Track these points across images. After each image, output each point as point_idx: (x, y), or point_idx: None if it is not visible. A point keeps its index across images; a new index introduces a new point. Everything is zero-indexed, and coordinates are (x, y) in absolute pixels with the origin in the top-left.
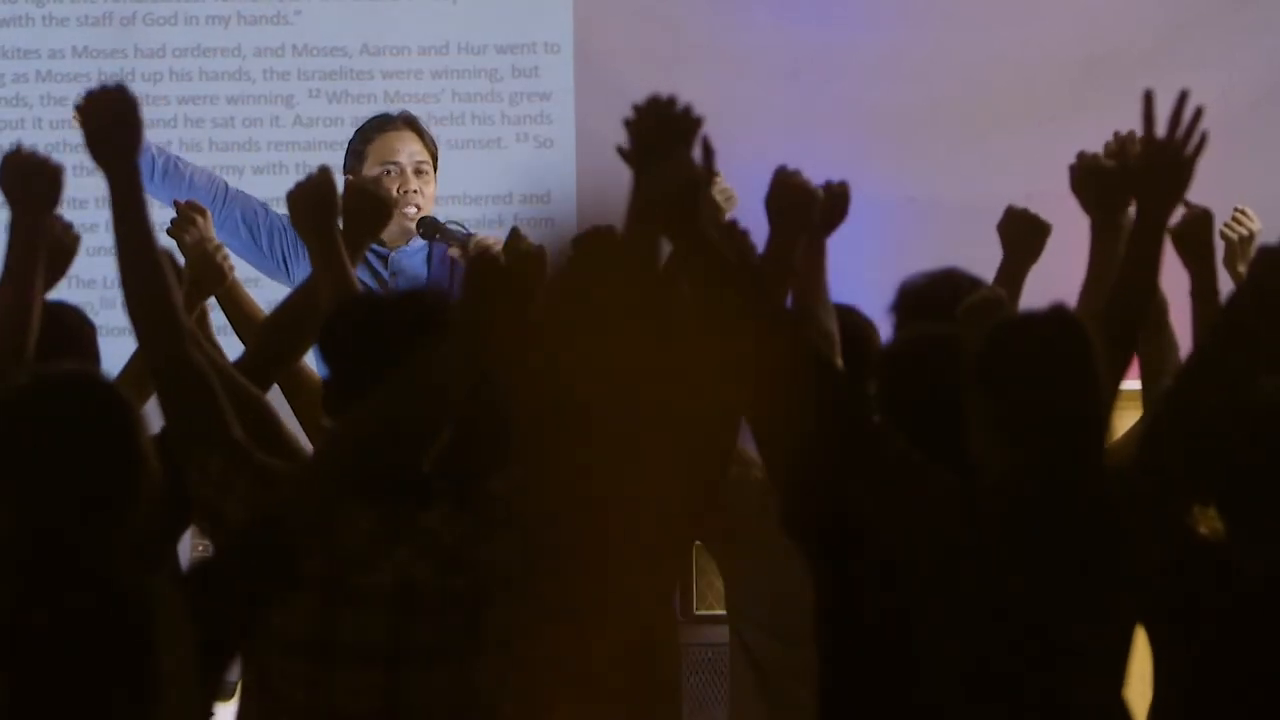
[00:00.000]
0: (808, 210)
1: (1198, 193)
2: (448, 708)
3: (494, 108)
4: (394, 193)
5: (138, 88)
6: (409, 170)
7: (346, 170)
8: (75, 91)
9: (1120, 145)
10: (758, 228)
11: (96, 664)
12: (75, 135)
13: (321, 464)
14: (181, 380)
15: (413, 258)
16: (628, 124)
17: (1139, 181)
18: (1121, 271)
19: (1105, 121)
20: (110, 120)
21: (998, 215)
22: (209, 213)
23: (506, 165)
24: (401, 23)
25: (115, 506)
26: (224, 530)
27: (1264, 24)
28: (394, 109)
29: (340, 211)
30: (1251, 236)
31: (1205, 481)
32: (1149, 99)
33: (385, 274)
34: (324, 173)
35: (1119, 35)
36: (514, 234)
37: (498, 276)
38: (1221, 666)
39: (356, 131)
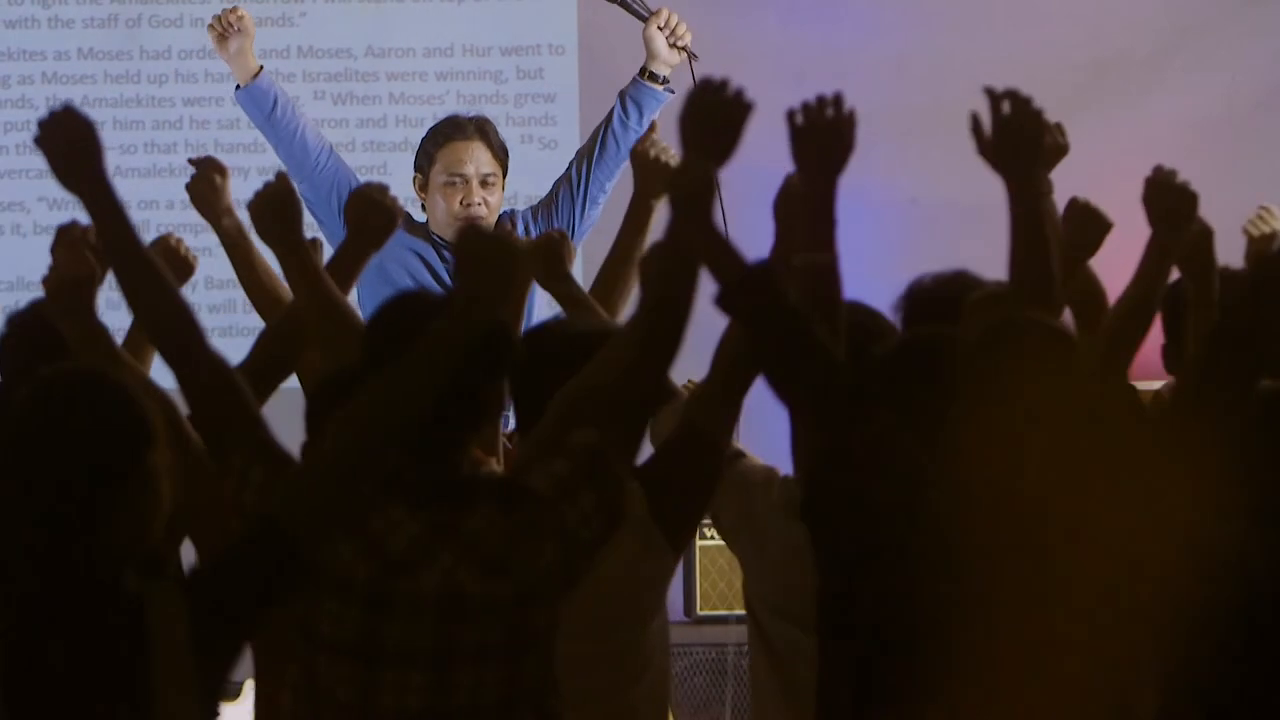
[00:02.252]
0: (843, 146)
1: (1202, 192)
2: (494, 707)
3: (499, 109)
4: (457, 204)
5: (143, 89)
6: (474, 182)
7: (416, 168)
8: (81, 93)
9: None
10: (766, 230)
11: (91, 666)
12: None
13: (327, 459)
14: (213, 389)
15: None
16: (683, 110)
17: (999, 155)
18: (1014, 245)
19: (1110, 124)
20: (68, 146)
21: (1001, 217)
22: (228, 172)
23: (511, 167)
24: (406, 25)
25: (118, 507)
26: None
27: (1267, 26)
28: (444, 111)
29: (345, 219)
30: (1274, 235)
31: (1211, 480)
32: (990, 93)
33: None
34: (282, 179)
35: (1124, 38)
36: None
37: (490, 251)
38: (1231, 665)
39: (430, 130)
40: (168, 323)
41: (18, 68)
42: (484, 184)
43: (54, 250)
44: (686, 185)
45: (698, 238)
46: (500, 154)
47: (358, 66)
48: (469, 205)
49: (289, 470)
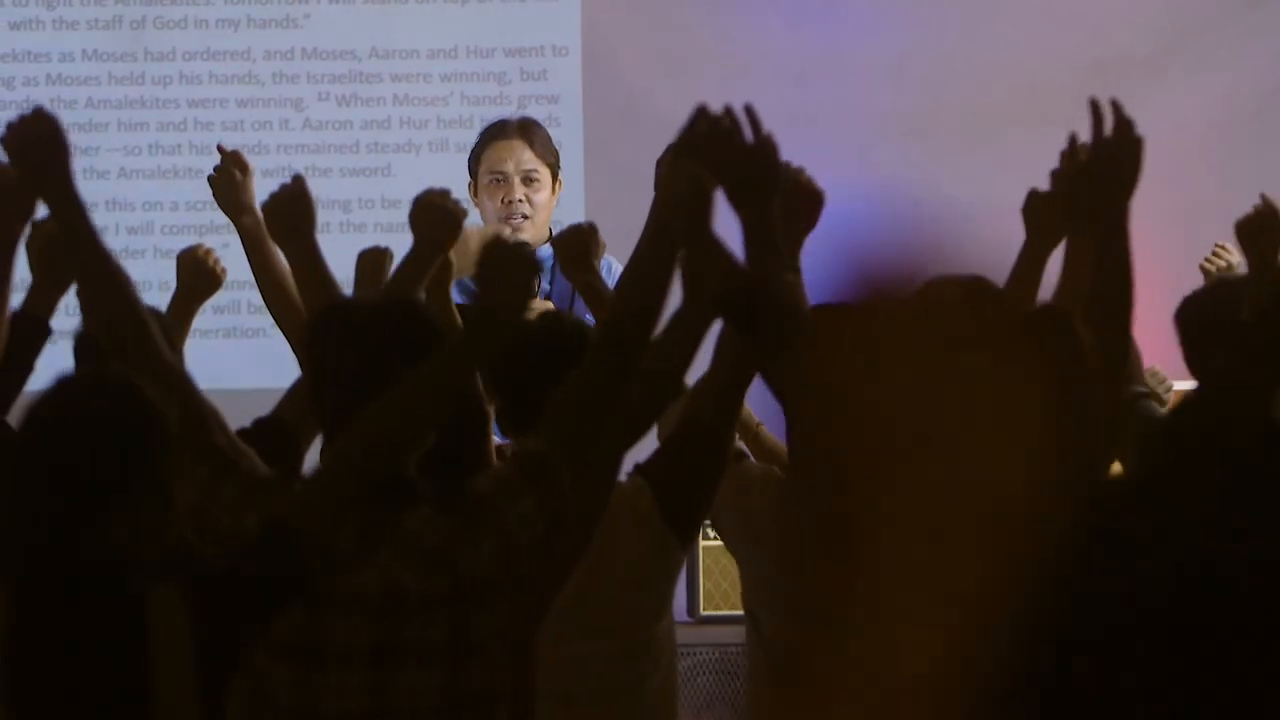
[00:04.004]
0: (812, 210)
1: (1204, 194)
2: (435, 709)
3: (503, 111)
4: (499, 203)
5: (147, 91)
6: (516, 180)
7: (469, 174)
8: (85, 95)
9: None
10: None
11: (93, 667)
12: (84, 138)
13: (338, 471)
14: (162, 388)
15: None
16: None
17: (1094, 180)
18: (1097, 271)
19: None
20: (35, 144)
21: (1004, 218)
22: (251, 169)
23: None
24: (410, 26)
25: (122, 509)
26: (217, 538)
27: (1268, 27)
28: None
29: (411, 226)
30: (1231, 269)
31: (1207, 489)
32: (1094, 106)
33: None
34: (298, 182)
35: (1124, 38)
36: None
37: (511, 265)
38: (1214, 674)
39: (479, 134)
40: (122, 325)
41: (22, 69)
42: (527, 181)
43: None
44: (685, 191)
45: (696, 243)
46: (546, 153)
47: (362, 68)
48: (510, 203)
49: (237, 472)
